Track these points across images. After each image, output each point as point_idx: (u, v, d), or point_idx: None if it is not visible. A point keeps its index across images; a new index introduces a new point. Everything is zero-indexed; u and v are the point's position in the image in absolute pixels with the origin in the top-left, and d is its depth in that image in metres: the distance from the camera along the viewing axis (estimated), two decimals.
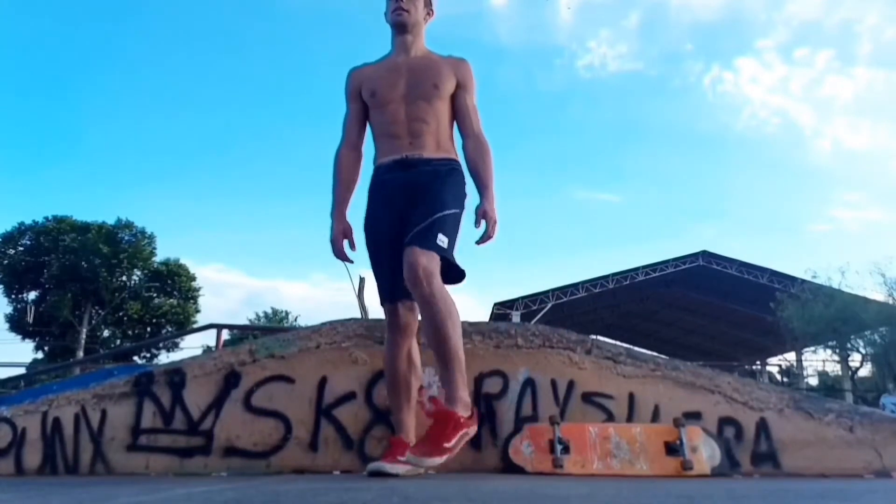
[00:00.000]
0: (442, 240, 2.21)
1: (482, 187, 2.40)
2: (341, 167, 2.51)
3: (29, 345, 25.80)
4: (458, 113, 2.47)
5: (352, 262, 2.49)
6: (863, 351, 18.26)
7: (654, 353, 3.72)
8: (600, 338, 3.64)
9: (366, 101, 2.48)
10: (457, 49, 2.53)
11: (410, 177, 2.34)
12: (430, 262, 2.16)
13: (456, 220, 2.29)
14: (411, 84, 2.42)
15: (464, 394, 2.09)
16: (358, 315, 6.44)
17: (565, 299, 22.23)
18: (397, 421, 2.39)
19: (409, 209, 2.30)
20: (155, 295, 26.86)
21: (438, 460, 1.97)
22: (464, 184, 2.40)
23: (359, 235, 2.45)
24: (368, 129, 2.54)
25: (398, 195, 2.35)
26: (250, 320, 31.83)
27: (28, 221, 25.99)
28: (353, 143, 2.54)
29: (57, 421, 2.59)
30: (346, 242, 2.46)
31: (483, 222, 2.32)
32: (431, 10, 2.57)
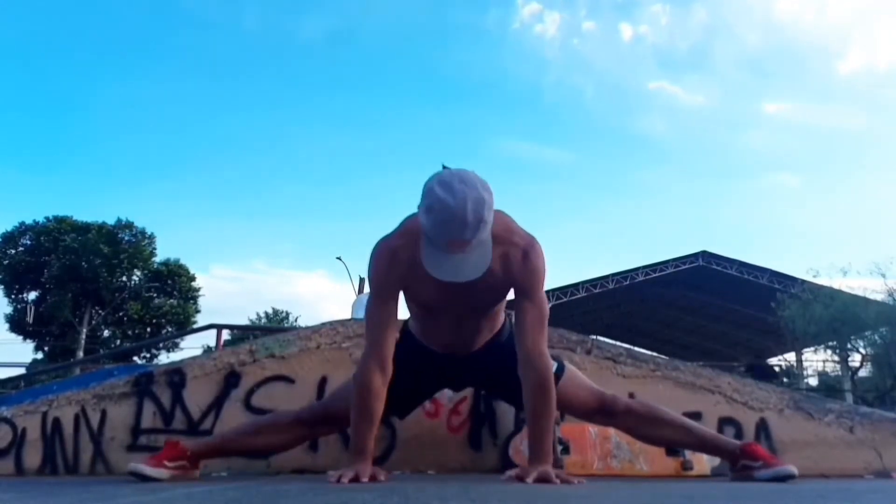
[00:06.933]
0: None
1: (536, 446, 1.90)
2: (369, 394, 1.91)
3: (29, 345, 25.84)
4: (516, 322, 2.01)
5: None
6: (863, 351, 18.25)
7: (654, 354, 3.72)
8: (600, 338, 3.65)
9: (410, 300, 2.07)
10: None
11: (457, 361, 2.20)
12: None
13: None
14: (472, 294, 1.95)
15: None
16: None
17: (565, 299, 22.22)
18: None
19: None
20: (155, 295, 26.87)
21: None
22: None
23: None
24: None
25: (438, 366, 2.21)
26: (251, 320, 31.83)
27: (28, 221, 26.04)
28: (383, 358, 1.93)
29: (57, 421, 2.59)
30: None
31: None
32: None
